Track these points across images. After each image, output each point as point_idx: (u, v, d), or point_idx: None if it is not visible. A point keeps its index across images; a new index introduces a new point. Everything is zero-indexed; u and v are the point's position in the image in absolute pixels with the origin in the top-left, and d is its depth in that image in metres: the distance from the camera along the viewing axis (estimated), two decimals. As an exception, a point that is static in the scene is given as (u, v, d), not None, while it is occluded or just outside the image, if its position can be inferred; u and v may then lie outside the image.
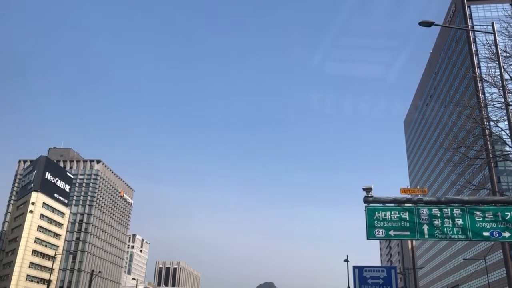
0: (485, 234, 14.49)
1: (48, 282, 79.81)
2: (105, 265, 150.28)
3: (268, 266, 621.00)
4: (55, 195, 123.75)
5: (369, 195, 15.26)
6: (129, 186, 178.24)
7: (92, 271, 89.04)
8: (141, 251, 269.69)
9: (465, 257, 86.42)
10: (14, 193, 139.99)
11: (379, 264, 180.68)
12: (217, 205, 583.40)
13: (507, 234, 14.39)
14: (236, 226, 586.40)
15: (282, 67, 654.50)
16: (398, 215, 15.02)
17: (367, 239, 15.04)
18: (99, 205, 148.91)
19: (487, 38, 19.58)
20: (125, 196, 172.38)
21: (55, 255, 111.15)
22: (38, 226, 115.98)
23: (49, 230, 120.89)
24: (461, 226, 14.64)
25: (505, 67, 17.54)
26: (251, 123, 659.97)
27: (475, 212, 14.76)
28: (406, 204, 15.17)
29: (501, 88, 16.88)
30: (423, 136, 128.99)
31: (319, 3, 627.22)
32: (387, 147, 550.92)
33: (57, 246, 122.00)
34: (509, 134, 15.92)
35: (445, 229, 14.66)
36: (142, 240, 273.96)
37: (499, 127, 18.02)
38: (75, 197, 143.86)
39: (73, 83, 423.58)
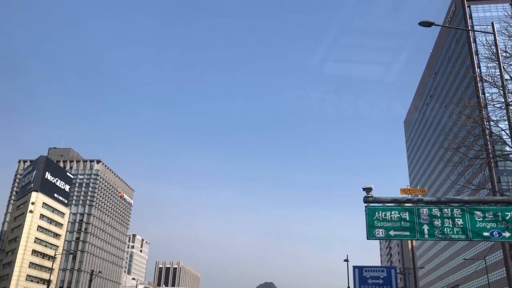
0: (485, 234, 14.50)
1: (48, 282, 79.79)
2: (105, 265, 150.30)
3: (268, 266, 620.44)
4: (55, 195, 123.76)
5: (369, 195, 15.27)
6: (129, 186, 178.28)
7: (92, 271, 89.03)
8: (141, 251, 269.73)
9: (465, 257, 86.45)
10: (14, 193, 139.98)
11: (379, 264, 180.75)
12: (217, 205, 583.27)
13: (507, 234, 14.40)
14: (236, 226, 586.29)
15: (282, 67, 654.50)
16: (398, 215, 15.03)
17: (367, 239, 15.07)
18: (99, 205, 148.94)
19: (487, 38, 19.59)
20: (125, 196, 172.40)
21: (55, 255, 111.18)
22: (38, 226, 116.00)
23: (49, 230, 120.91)
24: (461, 226, 14.66)
25: (505, 67, 17.54)
26: (251, 123, 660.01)
27: (475, 212, 14.77)
28: (406, 204, 15.18)
29: (501, 88, 16.88)
30: (423, 136, 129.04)
31: (319, 3, 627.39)
32: (387, 147, 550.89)
33: (57, 246, 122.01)
34: (509, 134, 15.92)
35: (445, 229, 14.67)
36: (142, 240, 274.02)
37: (499, 127, 18.01)
38: (75, 197, 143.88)
39: (73, 83, 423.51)
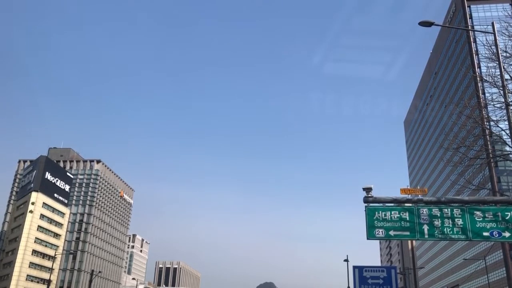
0: (485, 234, 14.49)
1: (48, 282, 79.79)
2: (105, 265, 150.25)
3: (268, 266, 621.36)
4: (55, 195, 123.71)
5: (369, 195, 15.26)
6: (129, 186, 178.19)
7: (92, 271, 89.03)
8: (141, 251, 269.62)
9: (465, 257, 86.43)
10: (14, 193, 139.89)
11: (379, 264, 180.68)
12: (217, 205, 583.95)
13: (507, 234, 14.38)
14: (236, 226, 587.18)
15: (282, 68, 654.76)
16: (398, 215, 15.02)
17: (367, 239, 15.05)
18: (99, 205, 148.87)
19: (487, 38, 19.58)
20: (125, 196, 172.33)
21: (55, 255, 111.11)
22: (38, 226, 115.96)
23: (49, 230, 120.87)
24: (461, 226, 14.64)
25: (505, 67, 17.53)
26: (251, 124, 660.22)
27: (475, 212, 14.76)
28: (406, 204, 15.17)
29: (501, 88, 16.88)
30: (423, 136, 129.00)
31: (319, 3, 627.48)
32: (387, 147, 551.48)
33: (57, 246, 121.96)
34: (509, 134, 15.92)
35: (445, 229, 14.66)
36: (142, 240, 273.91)
37: (499, 127, 18.01)
38: (75, 197, 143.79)
39: (73, 83, 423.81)
